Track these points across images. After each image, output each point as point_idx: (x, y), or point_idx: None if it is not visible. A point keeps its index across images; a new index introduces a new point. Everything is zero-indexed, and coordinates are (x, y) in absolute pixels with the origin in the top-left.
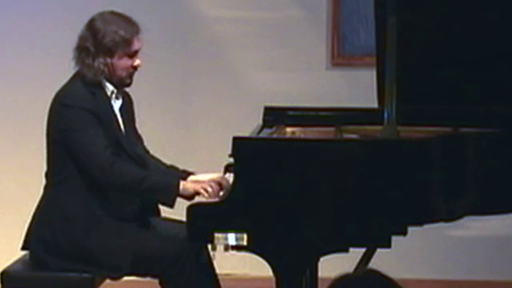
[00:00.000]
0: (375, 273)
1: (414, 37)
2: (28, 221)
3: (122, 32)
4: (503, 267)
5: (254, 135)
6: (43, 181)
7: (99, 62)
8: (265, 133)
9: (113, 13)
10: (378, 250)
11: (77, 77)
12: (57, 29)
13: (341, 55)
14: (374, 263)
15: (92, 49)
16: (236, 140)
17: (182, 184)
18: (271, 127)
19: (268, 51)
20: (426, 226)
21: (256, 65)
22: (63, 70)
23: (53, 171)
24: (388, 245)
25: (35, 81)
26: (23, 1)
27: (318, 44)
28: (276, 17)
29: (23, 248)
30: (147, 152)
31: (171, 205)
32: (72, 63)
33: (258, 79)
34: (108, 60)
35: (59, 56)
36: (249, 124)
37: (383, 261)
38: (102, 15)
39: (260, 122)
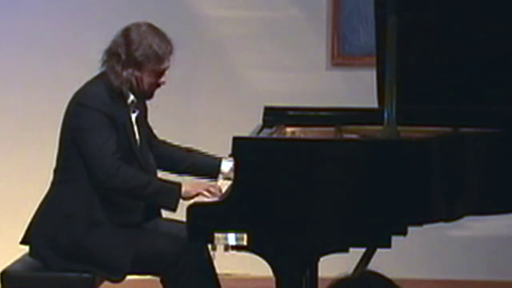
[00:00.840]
0: (373, 274)
1: (414, 37)
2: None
3: (156, 48)
4: (503, 267)
5: (254, 135)
6: (45, 181)
7: (128, 72)
8: (265, 133)
9: (150, 26)
10: (378, 250)
11: (100, 78)
12: (65, 30)
13: (341, 55)
14: (374, 263)
15: (123, 57)
16: (236, 140)
17: (184, 187)
18: (271, 127)
19: (268, 51)
20: (426, 226)
21: (256, 65)
22: (70, 70)
23: (61, 169)
24: (388, 245)
25: (41, 81)
26: (31, 2)
27: (318, 44)
28: (276, 17)
29: (22, 242)
30: (162, 141)
31: (173, 209)
32: (73, 63)
33: (258, 79)
34: (136, 73)
35: (66, 57)
36: (249, 124)
37: (383, 261)
38: (138, 26)
39: (260, 122)
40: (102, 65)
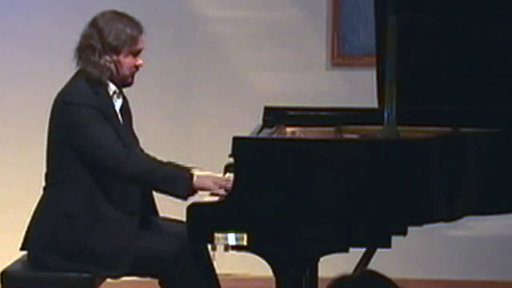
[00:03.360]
0: (372, 274)
1: (414, 37)
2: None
3: (128, 30)
4: (503, 267)
5: (254, 135)
6: (43, 182)
7: (105, 59)
8: (265, 133)
9: (115, 12)
10: (378, 250)
11: (79, 76)
12: (57, 29)
13: (341, 55)
14: (374, 263)
15: (98, 46)
16: (236, 140)
17: (196, 176)
18: (271, 127)
19: (268, 51)
20: (426, 226)
21: (256, 65)
22: (64, 70)
23: (54, 170)
24: (388, 245)
25: (36, 82)
26: (31, 2)
27: (318, 44)
28: (276, 17)
29: (22, 249)
30: (143, 152)
31: (184, 197)
32: (73, 63)
33: (258, 79)
34: (115, 57)
35: (59, 56)
36: (249, 124)
37: (383, 261)
38: (104, 14)
39: (260, 122)
40: (77, 63)
